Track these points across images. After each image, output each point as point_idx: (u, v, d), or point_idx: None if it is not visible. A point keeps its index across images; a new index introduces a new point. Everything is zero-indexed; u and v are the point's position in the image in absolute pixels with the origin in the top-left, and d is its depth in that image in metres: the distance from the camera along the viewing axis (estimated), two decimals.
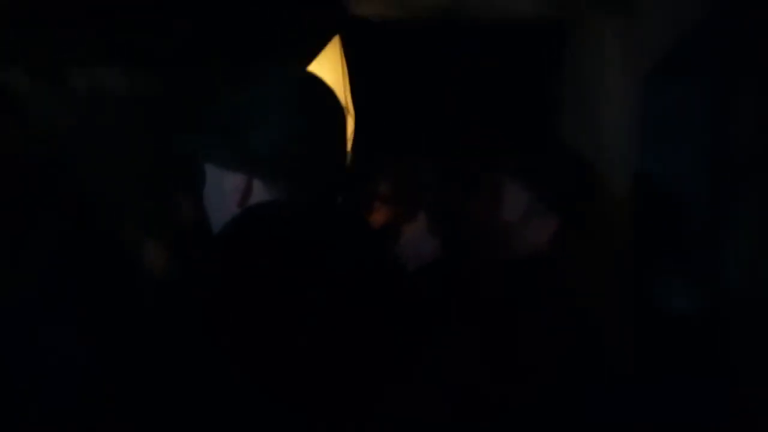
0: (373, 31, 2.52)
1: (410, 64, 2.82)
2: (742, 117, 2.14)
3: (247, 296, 1.12)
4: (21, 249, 1.54)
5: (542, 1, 2.38)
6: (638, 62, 2.27)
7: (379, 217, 2.28)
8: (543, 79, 2.75)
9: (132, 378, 1.17)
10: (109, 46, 3.96)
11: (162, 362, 1.14)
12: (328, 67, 2.36)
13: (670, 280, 2.23)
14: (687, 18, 1.88)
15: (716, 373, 2.08)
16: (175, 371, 1.13)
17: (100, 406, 1.24)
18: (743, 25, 1.85)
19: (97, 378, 1.29)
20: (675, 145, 2.20)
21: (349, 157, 1.38)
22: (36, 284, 1.48)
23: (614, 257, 2.39)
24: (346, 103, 2.42)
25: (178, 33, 3.64)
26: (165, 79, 3.85)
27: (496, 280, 1.72)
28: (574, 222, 1.66)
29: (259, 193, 1.25)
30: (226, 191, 1.27)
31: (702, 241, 2.22)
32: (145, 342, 1.16)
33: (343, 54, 2.39)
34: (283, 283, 1.14)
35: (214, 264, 1.18)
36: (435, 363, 1.37)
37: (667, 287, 2.21)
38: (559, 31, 2.65)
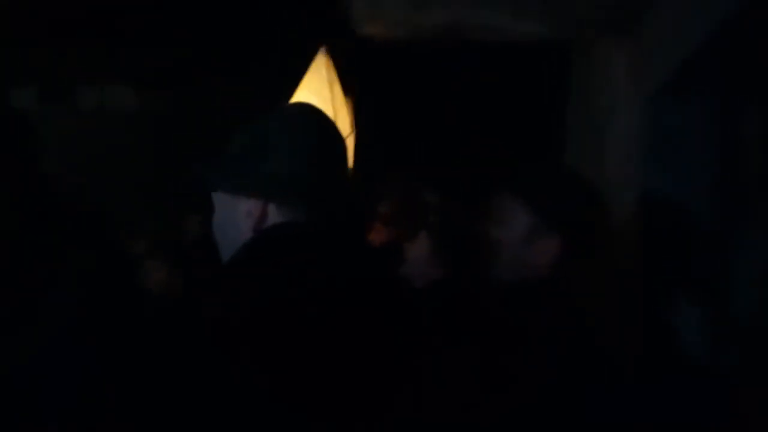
0: (376, 51, 2.52)
1: (414, 84, 2.83)
2: (748, 137, 2.13)
3: (266, 317, 1.15)
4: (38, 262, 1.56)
5: (547, 22, 2.37)
6: (644, 83, 2.27)
7: (379, 237, 2.28)
8: (548, 100, 2.75)
9: (140, 397, 1.19)
10: (119, 65, 4.00)
11: (173, 383, 1.16)
12: (316, 85, 2.36)
13: (678, 302, 2.21)
14: (692, 39, 1.87)
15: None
16: (187, 392, 1.15)
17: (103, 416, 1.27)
18: (748, 46, 1.84)
19: (102, 394, 1.32)
20: (681, 167, 2.19)
21: (350, 178, 1.43)
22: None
23: (621, 280, 2.37)
24: (334, 117, 2.41)
25: (182, 51, 3.68)
26: (171, 98, 3.88)
27: (499, 302, 1.72)
28: (577, 244, 1.65)
29: (275, 217, 1.30)
30: (239, 217, 1.31)
31: (710, 261, 2.20)
32: (156, 363, 1.18)
33: (332, 72, 2.39)
34: (299, 303, 1.17)
35: (230, 288, 1.20)
36: (437, 380, 1.37)
37: (675, 309, 2.20)
38: (564, 52, 2.65)
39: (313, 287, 1.19)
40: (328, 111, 2.43)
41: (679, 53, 1.96)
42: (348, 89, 2.51)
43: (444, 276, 2.12)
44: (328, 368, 1.15)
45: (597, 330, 1.66)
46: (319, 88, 2.41)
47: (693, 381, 2.11)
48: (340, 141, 1.37)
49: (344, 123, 2.50)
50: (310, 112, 1.40)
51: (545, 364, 1.61)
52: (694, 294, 2.22)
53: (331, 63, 2.41)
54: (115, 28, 3.75)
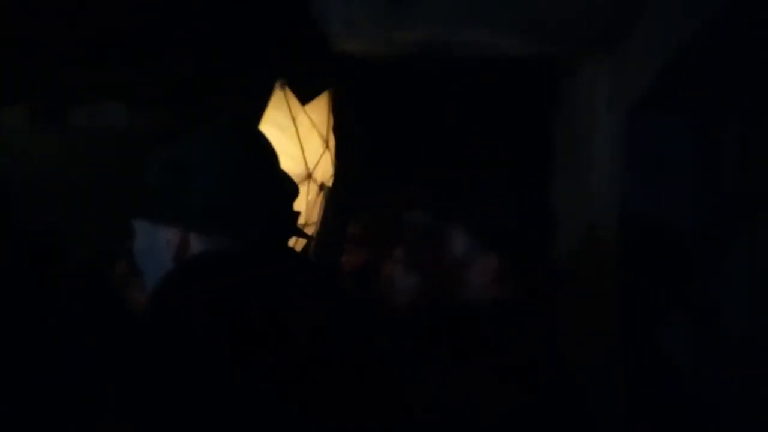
0: (356, 68, 2.52)
1: (394, 101, 2.82)
2: (730, 153, 2.11)
3: (187, 346, 1.11)
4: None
5: (529, 39, 2.37)
6: (624, 99, 2.26)
7: (353, 258, 2.27)
8: (531, 116, 2.75)
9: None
10: (111, 84, 4.01)
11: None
12: (277, 119, 2.36)
13: (660, 320, 2.19)
14: (669, 54, 1.86)
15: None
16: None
17: None
18: (726, 60, 1.83)
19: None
20: (661, 182, 2.17)
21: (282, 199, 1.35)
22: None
23: (602, 296, 2.35)
24: (302, 144, 2.41)
25: (175, 70, 3.68)
26: (163, 117, 3.88)
27: (454, 322, 1.71)
28: (518, 263, 1.63)
29: (197, 246, 1.25)
30: (160, 246, 1.27)
31: (692, 277, 2.19)
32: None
33: (293, 101, 2.39)
34: (219, 335, 1.13)
35: (151, 318, 1.17)
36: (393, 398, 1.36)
37: (658, 327, 2.18)
38: (545, 69, 2.65)
39: (235, 316, 1.14)
40: (294, 143, 2.43)
41: (656, 68, 1.95)
42: (320, 112, 2.50)
43: (418, 295, 2.11)
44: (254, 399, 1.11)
45: (558, 350, 1.63)
46: (281, 122, 2.41)
47: (678, 396, 2.09)
48: (265, 157, 1.31)
49: (314, 147, 2.49)
50: (228, 131, 1.32)
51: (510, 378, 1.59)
52: (677, 309, 2.20)
53: (290, 93, 2.42)
54: (107, 48, 3.76)
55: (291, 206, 1.34)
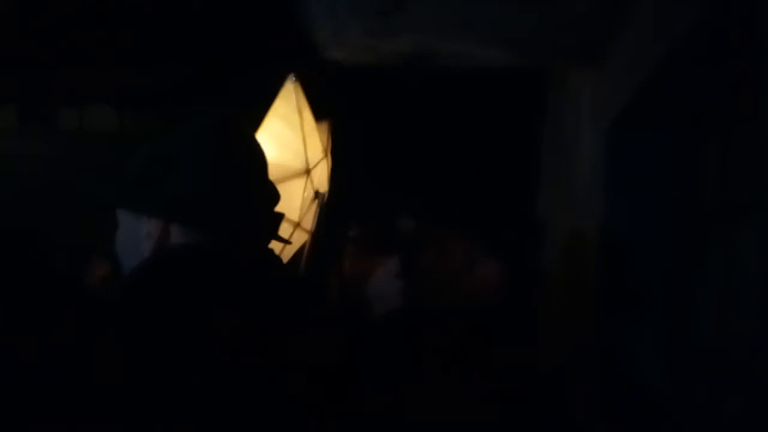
0: (346, 77, 2.55)
1: (384, 110, 2.85)
2: (707, 168, 2.14)
3: (157, 337, 1.12)
4: None
5: (512, 51, 2.40)
6: (606, 112, 2.29)
7: (352, 263, 2.28)
8: (516, 127, 2.78)
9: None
10: (101, 87, 4.03)
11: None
12: (284, 111, 2.38)
13: (633, 337, 2.20)
14: (649, 68, 1.89)
15: None
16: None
17: None
18: (708, 75, 1.86)
19: None
20: (639, 195, 2.20)
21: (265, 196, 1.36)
22: None
23: (579, 310, 2.38)
24: (304, 143, 2.42)
25: (164, 73, 3.70)
26: (152, 119, 3.90)
27: (449, 328, 1.73)
28: (517, 270, 1.66)
29: (178, 238, 1.26)
30: (140, 237, 1.28)
31: (668, 295, 2.20)
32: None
33: (301, 98, 2.40)
34: (190, 329, 1.14)
35: (123, 306, 1.18)
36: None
37: (630, 344, 2.19)
38: (528, 81, 2.68)
39: (209, 310, 1.15)
40: (297, 137, 2.44)
41: (637, 82, 1.98)
42: (321, 114, 2.53)
43: (406, 300, 2.13)
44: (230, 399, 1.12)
45: (543, 357, 1.66)
46: (287, 114, 2.42)
47: (649, 408, 2.11)
48: (250, 158, 1.32)
49: (315, 148, 2.51)
50: (216, 128, 1.33)
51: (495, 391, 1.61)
52: (650, 318, 2.22)
53: (300, 89, 2.43)
54: (98, 49, 3.78)
55: (273, 211, 1.35)
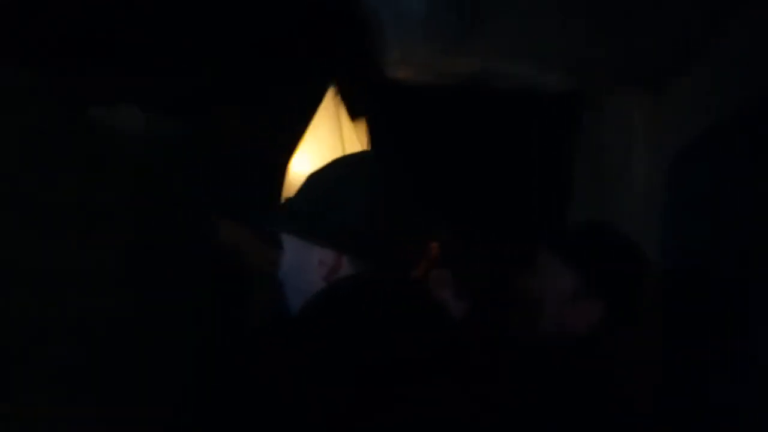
0: (404, 95, 2.57)
1: (440, 129, 2.87)
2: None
3: (334, 369, 1.15)
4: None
5: (568, 75, 2.43)
6: (663, 141, 2.32)
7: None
8: (566, 153, 2.80)
9: None
10: (130, 89, 3.99)
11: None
12: (326, 122, 2.40)
13: (701, 368, 2.18)
14: (716, 103, 1.92)
15: None
16: None
17: None
18: None
19: None
20: (698, 228, 2.19)
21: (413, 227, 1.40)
22: None
23: (645, 347, 2.36)
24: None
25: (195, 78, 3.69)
26: (181, 123, 3.87)
27: (527, 359, 1.70)
28: (620, 309, 1.64)
29: (348, 269, 1.29)
30: (312, 265, 1.31)
31: (731, 327, 2.19)
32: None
33: (342, 109, 2.43)
34: (370, 356, 1.17)
35: (298, 337, 1.20)
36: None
37: (698, 375, 2.17)
38: (584, 105, 2.71)
39: (387, 339, 1.18)
40: (338, 148, 2.47)
41: (709, 117, 1.99)
42: (362, 126, 2.55)
43: (465, 320, 2.13)
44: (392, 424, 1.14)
45: (621, 398, 1.64)
46: (329, 125, 2.45)
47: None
48: (406, 190, 1.36)
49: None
50: (379, 161, 1.38)
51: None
52: (714, 354, 2.20)
53: (340, 100, 2.46)
54: (127, 52, 3.76)
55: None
